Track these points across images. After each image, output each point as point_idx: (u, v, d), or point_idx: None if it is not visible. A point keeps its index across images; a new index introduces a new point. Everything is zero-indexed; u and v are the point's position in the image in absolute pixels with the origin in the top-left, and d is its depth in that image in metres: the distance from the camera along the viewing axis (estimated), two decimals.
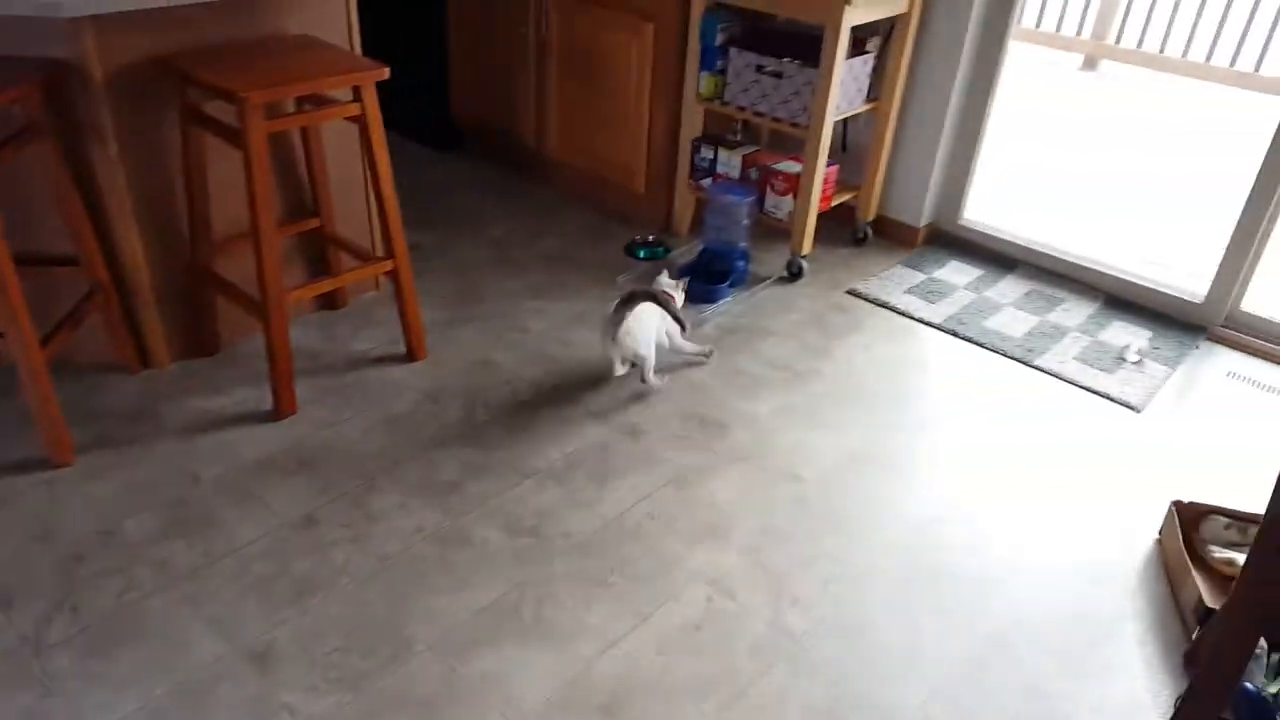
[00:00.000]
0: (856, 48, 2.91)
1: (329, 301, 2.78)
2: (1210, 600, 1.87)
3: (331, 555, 1.94)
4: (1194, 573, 1.95)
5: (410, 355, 2.57)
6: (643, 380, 2.51)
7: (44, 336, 2.11)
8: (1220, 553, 2.03)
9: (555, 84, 3.38)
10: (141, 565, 1.89)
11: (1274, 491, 1.45)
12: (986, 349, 2.79)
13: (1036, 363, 2.74)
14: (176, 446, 2.21)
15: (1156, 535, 2.15)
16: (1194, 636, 1.86)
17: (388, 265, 2.43)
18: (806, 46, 2.87)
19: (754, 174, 3.08)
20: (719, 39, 2.99)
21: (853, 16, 2.71)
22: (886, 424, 2.45)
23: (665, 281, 2.62)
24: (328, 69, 2.14)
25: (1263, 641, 1.69)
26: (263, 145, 2.07)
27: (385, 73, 2.19)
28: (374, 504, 2.08)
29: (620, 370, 2.52)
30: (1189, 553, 2.04)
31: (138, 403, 2.34)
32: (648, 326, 2.46)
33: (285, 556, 1.93)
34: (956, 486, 2.25)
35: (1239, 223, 2.80)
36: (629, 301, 2.44)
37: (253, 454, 2.20)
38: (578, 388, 2.51)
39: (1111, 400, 2.60)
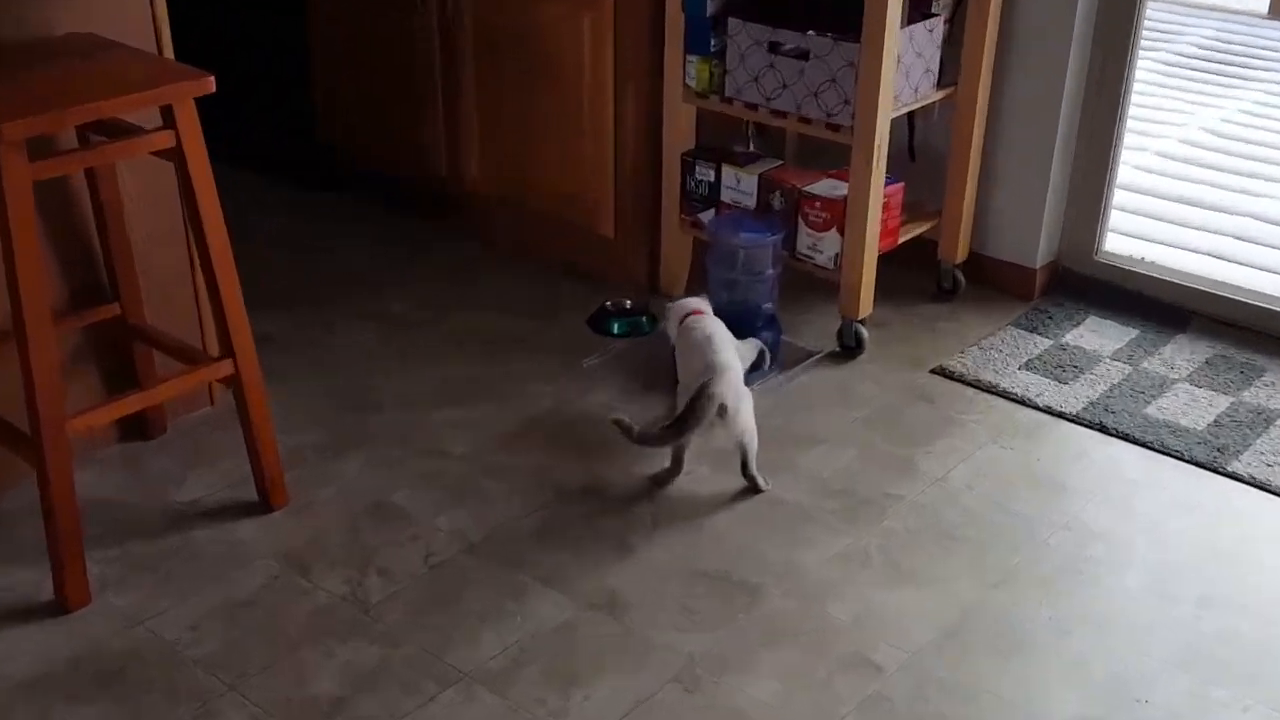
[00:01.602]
0: (918, 8, 3.01)
1: (139, 427, 2.81)
2: None
3: None
4: None
5: (264, 503, 2.59)
6: (752, 475, 2.67)
7: None
8: None
9: (471, 86, 3.49)
10: None
11: None
12: (1153, 450, 2.82)
13: (1232, 468, 2.75)
14: None
15: None
16: None
17: (225, 368, 2.47)
18: (841, 11, 2.96)
19: (777, 201, 3.16)
20: (711, 7, 3.08)
21: None
22: (1003, 576, 2.46)
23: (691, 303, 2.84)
24: (124, 83, 2.20)
25: None
26: (27, 199, 2.11)
27: (210, 84, 2.26)
28: None
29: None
30: None
31: None
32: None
33: None
34: (1119, 667, 2.24)
35: None
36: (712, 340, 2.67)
37: (22, 670, 2.19)
38: (526, 539, 2.53)
39: None
